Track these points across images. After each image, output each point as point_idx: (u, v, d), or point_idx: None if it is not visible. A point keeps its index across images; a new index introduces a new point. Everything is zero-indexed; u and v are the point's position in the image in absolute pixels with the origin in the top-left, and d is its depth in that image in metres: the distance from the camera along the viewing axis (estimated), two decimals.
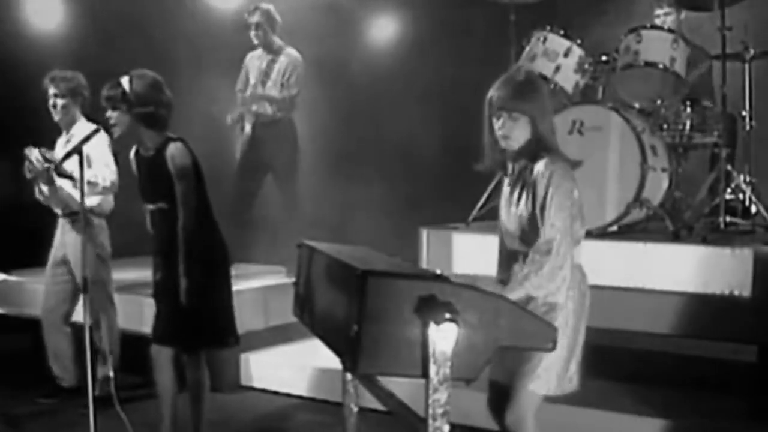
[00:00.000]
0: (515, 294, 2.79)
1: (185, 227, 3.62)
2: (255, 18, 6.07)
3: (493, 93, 2.94)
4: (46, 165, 4.51)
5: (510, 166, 3.02)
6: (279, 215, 6.21)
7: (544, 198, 2.82)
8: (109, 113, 3.69)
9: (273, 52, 6.15)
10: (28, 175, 4.60)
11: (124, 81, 3.67)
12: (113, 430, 3.94)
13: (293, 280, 3.16)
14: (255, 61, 6.24)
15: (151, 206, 3.75)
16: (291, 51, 6.15)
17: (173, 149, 3.65)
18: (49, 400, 4.93)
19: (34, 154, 4.56)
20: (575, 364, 2.98)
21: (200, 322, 3.68)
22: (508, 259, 3.02)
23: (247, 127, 6.15)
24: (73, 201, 4.70)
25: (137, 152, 3.81)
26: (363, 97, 7.18)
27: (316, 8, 7.03)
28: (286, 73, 6.08)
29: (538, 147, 2.91)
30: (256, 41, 6.15)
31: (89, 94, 4.83)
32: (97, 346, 4.78)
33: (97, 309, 4.72)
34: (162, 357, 3.78)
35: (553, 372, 2.90)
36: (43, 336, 4.96)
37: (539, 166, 2.86)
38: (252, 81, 6.20)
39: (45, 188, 4.70)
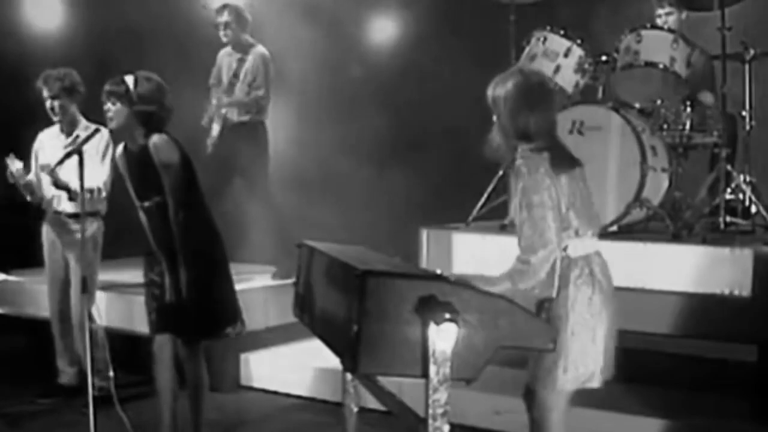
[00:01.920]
0: (501, 287, 2.81)
1: (175, 219, 3.62)
2: (223, 17, 5.90)
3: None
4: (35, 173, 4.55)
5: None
6: (253, 215, 6.13)
7: (520, 200, 2.87)
8: (108, 106, 3.69)
9: (242, 51, 6.00)
10: (21, 181, 4.62)
11: (129, 79, 3.68)
12: (113, 430, 3.94)
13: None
14: (226, 58, 6.10)
15: (146, 203, 3.74)
16: (259, 50, 5.98)
17: (156, 140, 3.64)
18: (49, 399, 4.94)
19: (15, 165, 4.57)
20: (600, 353, 2.95)
21: (202, 312, 3.69)
22: None
23: (215, 129, 5.99)
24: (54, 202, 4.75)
25: (125, 149, 3.80)
26: (362, 96, 7.17)
27: (316, 7, 7.03)
28: (253, 73, 5.93)
29: (518, 144, 2.97)
30: (225, 40, 5.99)
31: (85, 90, 4.80)
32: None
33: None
34: (164, 353, 3.79)
35: (579, 367, 2.91)
36: (54, 336, 4.99)
37: (518, 166, 2.93)
38: (224, 79, 6.08)
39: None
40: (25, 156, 4.75)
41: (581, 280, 2.92)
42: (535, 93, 3.02)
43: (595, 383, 2.97)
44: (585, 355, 2.92)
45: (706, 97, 5.34)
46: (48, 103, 4.74)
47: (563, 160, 2.96)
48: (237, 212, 6.15)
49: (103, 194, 4.69)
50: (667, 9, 5.51)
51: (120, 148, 3.83)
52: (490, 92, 3.03)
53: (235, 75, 6.01)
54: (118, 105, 3.67)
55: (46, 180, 4.64)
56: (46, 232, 4.92)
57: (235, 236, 6.01)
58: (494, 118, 3.03)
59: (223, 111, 6.00)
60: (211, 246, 3.77)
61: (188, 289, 3.63)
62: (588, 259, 2.97)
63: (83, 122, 4.84)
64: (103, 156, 4.66)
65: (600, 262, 3.01)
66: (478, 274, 2.85)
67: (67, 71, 4.79)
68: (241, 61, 6.01)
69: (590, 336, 2.93)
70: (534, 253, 2.80)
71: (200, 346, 3.83)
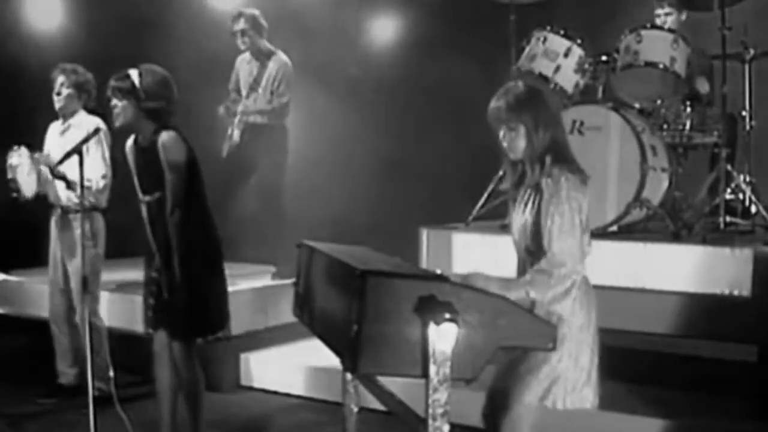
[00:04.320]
0: (514, 293, 2.75)
1: (171, 216, 3.61)
2: (240, 25, 5.92)
3: (490, 106, 2.95)
4: (39, 165, 4.56)
5: (526, 174, 2.97)
6: (263, 217, 6.14)
7: (554, 212, 2.79)
8: (115, 102, 3.68)
9: (262, 57, 6.02)
10: (9, 175, 4.62)
11: (134, 74, 3.66)
12: (113, 429, 3.94)
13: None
14: (245, 65, 6.13)
15: (147, 197, 3.73)
16: (280, 56, 6.00)
17: (165, 137, 3.63)
18: (49, 400, 4.94)
19: (22, 154, 4.58)
20: (589, 380, 2.91)
21: (194, 311, 3.67)
22: (521, 264, 3.01)
23: (236, 134, 6.04)
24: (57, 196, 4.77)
25: (135, 142, 3.80)
26: (363, 96, 7.18)
27: (316, 9, 7.03)
28: (276, 80, 5.94)
29: (546, 156, 2.88)
30: (243, 47, 6.03)
31: (95, 92, 4.86)
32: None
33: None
34: (165, 353, 3.79)
35: (560, 386, 2.86)
36: (53, 336, 4.99)
37: (548, 178, 2.84)
38: (242, 86, 6.11)
39: (32, 185, 4.69)
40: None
41: (582, 303, 2.90)
42: (556, 102, 3.00)
43: (587, 404, 2.93)
44: (582, 376, 2.89)
45: (703, 85, 5.34)
46: (56, 88, 4.81)
47: (584, 177, 2.93)
48: (246, 212, 6.17)
49: (102, 185, 4.69)
50: (667, 9, 5.52)
51: (130, 140, 3.83)
52: (502, 104, 2.89)
53: (256, 81, 6.02)
54: (124, 101, 3.66)
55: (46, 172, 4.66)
56: (52, 230, 4.94)
57: (239, 236, 6.02)
58: (507, 135, 2.91)
59: (245, 117, 6.03)
60: (207, 247, 3.75)
61: (182, 287, 3.62)
62: (586, 278, 2.95)
63: (82, 113, 4.87)
64: (99, 148, 4.66)
65: (589, 283, 2.97)
66: (482, 273, 2.81)
67: (86, 71, 4.89)
68: (262, 68, 6.02)
69: (588, 355, 2.90)
70: (560, 268, 2.76)
71: (194, 347, 3.81)
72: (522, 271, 3.01)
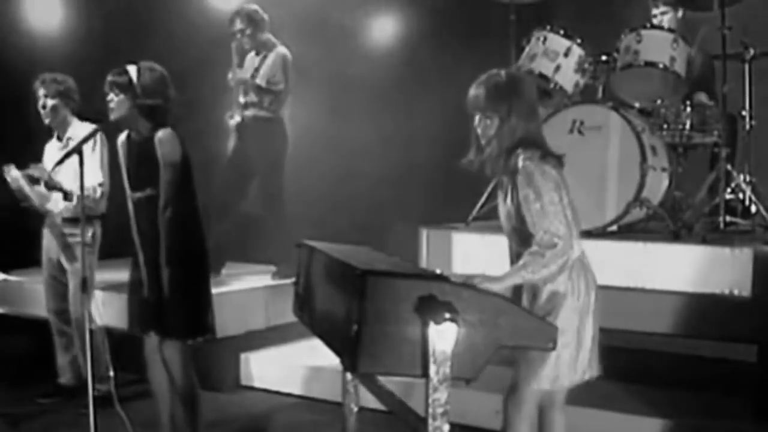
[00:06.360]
0: (511, 280, 2.80)
1: (163, 214, 3.58)
2: (237, 26, 5.92)
3: (470, 92, 2.99)
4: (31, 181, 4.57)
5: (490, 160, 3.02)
6: (263, 216, 6.11)
7: (530, 196, 2.82)
8: (111, 96, 3.66)
9: (264, 50, 6.03)
10: (14, 186, 4.62)
11: (132, 70, 3.65)
12: (113, 429, 3.94)
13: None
14: (249, 60, 6.15)
15: (137, 194, 3.70)
16: (279, 49, 5.99)
17: (162, 134, 3.61)
18: (49, 400, 4.94)
19: (12, 174, 4.58)
20: (587, 352, 2.95)
21: (185, 311, 3.64)
22: (512, 253, 3.05)
23: (236, 117, 6.01)
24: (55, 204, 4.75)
25: (128, 138, 3.78)
26: (363, 96, 7.18)
27: (316, 7, 7.03)
28: (272, 69, 5.94)
29: (515, 147, 2.92)
30: (246, 47, 6.04)
31: (79, 98, 4.85)
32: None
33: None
34: (155, 356, 3.76)
35: (563, 365, 2.90)
36: (53, 335, 4.99)
37: (516, 164, 2.89)
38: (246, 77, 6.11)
39: (35, 197, 4.69)
40: (27, 160, 4.75)
41: (579, 279, 2.93)
42: (534, 94, 3.03)
43: (592, 374, 2.98)
44: (581, 350, 2.93)
45: (700, 99, 5.35)
46: (41, 101, 4.76)
47: (557, 160, 2.95)
48: (246, 212, 6.16)
49: (98, 194, 4.67)
50: (662, 8, 5.50)
51: (123, 136, 3.81)
52: (480, 92, 2.94)
53: (256, 70, 6.01)
54: (121, 96, 3.64)
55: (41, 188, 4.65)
56: (46, 235, 4.92)
57: (239, 236, 6.01)
58: (482, 122, 2.96)
59: (242, 100, 5.99)
60: (197, 247, 3.72)
61: (172, 286, 3.58)
62: (581, 259, 2.97)
63: (75, 122, 4.85)
64: (94, 155, 4.65)
65: (587, 263, 3.01)
66: (480, 274, 2.82)
67: (65, 77, 4.84)
68: (262, 60, 6.02)
69: (587, 330, 2.94)
70: (551, 248, 2.78)
71: (188, 350, 3.79)
72: (514, 259, 3.04)
